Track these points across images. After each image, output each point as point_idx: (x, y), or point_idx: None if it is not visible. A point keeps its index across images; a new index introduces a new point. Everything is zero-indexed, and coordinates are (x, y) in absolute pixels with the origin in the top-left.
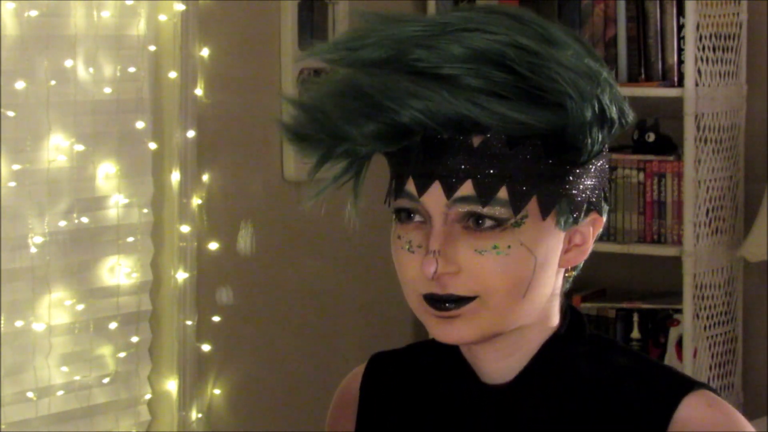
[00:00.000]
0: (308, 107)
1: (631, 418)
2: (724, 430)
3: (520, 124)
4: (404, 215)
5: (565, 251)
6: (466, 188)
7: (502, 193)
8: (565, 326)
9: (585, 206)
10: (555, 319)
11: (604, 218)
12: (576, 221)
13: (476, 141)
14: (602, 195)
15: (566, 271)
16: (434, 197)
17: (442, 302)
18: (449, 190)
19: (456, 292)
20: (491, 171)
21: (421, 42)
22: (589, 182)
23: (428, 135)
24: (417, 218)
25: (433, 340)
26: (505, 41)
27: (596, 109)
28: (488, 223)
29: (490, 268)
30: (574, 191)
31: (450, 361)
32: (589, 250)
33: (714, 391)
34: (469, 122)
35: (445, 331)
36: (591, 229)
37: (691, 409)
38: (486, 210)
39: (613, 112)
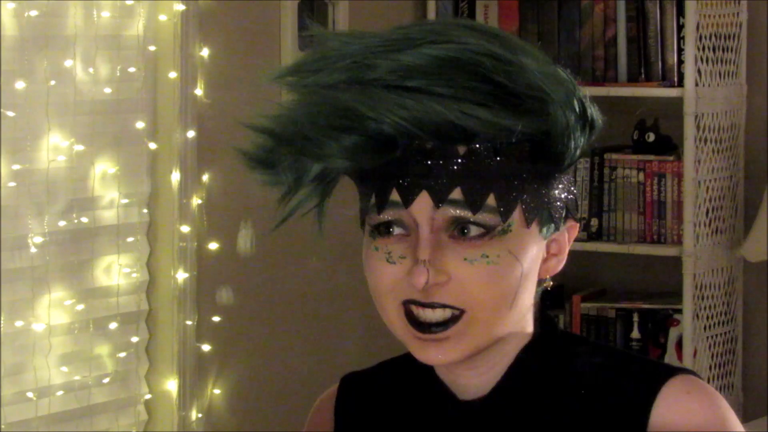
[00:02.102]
0: (279, 132)
1: (612, 415)
2: (704, 416)
3: (507, 131)
4: (383, 229)
5: (544, 261)
6: (455, 195)
7: (491, 200)
8: (538, 332)
9: (564, 212)
10: (529, 328)
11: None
12: (557, 228)
13: (462, 149)
14: (574, 201)
15: (540, 282)
16: (422, 206)
17: (428, 326)
18: (438, 198)
19: (442, 300)
20: (479, 178)
21: (384, 57)
22: (567, 188)
23: (409, 147)
24: (397, 231)
25: (403, 356)
26: (476, 50)
27: (578, 111)
28: (475, 231)
29: (480, 278)
30: (554, 197)
31: (423, 378)
32: (565, 258)
33: (695, 374)
34: (453, 130)
35: (430, 353)
36: (566, 235)
37: (669, 399)
38: (474, 217)
39: (595, 113)
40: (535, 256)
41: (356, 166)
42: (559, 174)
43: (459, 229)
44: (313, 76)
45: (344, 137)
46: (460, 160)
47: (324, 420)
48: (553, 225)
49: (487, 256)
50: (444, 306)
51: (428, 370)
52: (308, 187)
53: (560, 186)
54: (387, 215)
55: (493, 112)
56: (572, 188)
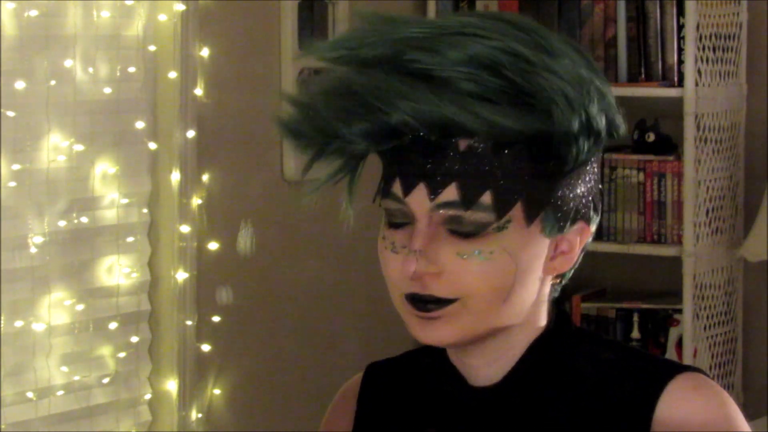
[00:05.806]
0: (302, 104)
1: (618, 409)
2: (708, 413)
3: (506, 130)
4: (392, 220)
5: (551, 258)
6: (450, 192)
7: (486, 197)
8: (551, 325)
9: (572, 215)
10: (542, 322)
11: (593, 228)
12: (562, 229)
13: (463, 144)
14: (591, 204)
15: (554, 278)
16: (419, 198)
17: (424, 302)
18: (433, 192)
19: (437, 293)
20: (476, 175)
21: (420, 44)
22: (577, 190)
23: (417, 136)
24: (403, 225)
25: (427, 347)
26: (499, 47)
27: (583, 119)
28: (469, 227)
29: (472, 271)
30: (560, 199)
31: (440, 367)
32: (576, 259)
33: (703, 372)
34: (455, 126)
35: (426, 331)
36: (578, 238)
37: (674, 395)
38: (469, 214)
39: (601, 123)
40: (535, 254)
41: (367, 148)
42: (566, 175)
43: (457, 224)
44: (349, 52)
45: (354, 122)
46: (459, 156)
47: (347, 406)
48: (557, 225)
49: (481, 252)
50: (438, 300)
51: (444, 359)
52: (338, 162)
53: (570, 187)
54: (390, 204)
55: (496, 109)
56: (584, 190)
